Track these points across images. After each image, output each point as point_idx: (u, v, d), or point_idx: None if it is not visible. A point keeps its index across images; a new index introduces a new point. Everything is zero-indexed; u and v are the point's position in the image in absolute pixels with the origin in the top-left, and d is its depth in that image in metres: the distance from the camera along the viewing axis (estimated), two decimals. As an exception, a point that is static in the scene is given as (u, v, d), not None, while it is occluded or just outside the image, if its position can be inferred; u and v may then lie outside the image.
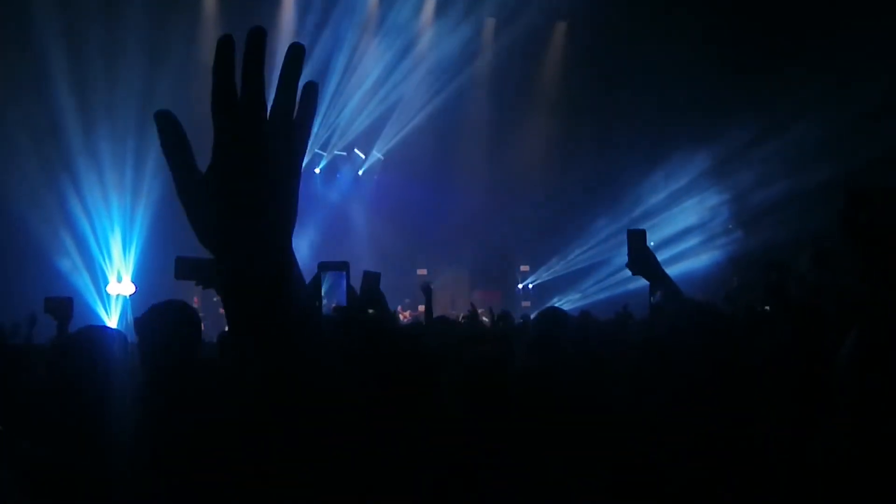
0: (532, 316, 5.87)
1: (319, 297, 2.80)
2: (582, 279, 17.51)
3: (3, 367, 4.08)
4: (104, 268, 15.14)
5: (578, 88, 17.61)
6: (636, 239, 2.99)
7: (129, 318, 14.30)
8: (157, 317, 2.77)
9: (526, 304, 17.78)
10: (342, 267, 2.86)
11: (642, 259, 2.94)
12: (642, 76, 16.15)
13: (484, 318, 13.11)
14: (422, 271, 18.73)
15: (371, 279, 3.47)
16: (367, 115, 18.16)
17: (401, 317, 15.66)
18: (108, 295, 15.15)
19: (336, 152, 18.59)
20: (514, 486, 2.06)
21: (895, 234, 1.58)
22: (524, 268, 19.08)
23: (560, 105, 18.34)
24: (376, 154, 18.99)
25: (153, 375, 2.59)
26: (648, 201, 16.98)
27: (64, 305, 4.06)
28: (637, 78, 16.26)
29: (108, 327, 2.65)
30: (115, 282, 15.25)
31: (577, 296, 17.24)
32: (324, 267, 2.85)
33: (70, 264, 14.46)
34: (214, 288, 2.99)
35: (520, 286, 19.09)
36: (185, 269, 3.01)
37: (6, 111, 13.48)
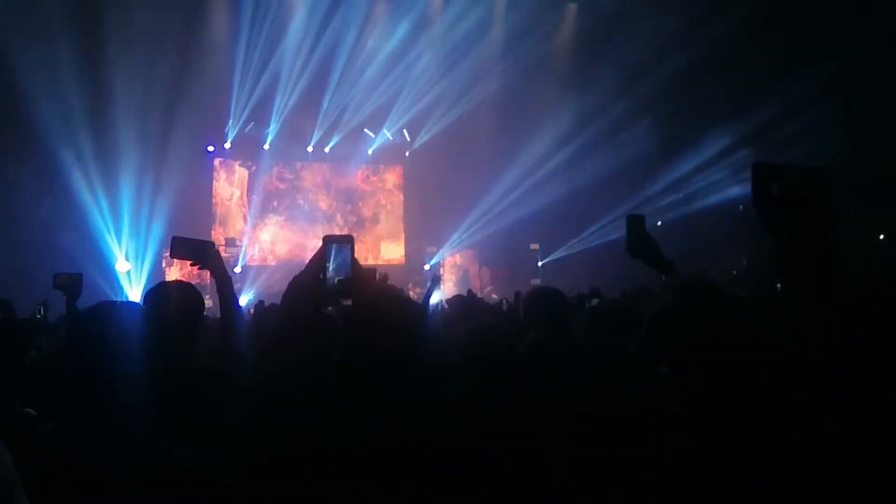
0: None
1: (325, 270, 2.82)
2: (594, 257, 17.33)
3: (13, 343, 4.12)
4: (111, 245, 15.21)
5: (589, 70, 17.47)
6: (635, 224, 3.03)
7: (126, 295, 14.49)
8: (164, 291, 2.93)
9: (535, 280, 17.72)
10: (347, 240, 2.88)
11: (642, 244, 3.00)
12: (651, 57, 16.03)
13: (493, 296, 13.16)
14: (431, 249, 18.83)
15: (366, 278, 3.45)
16: (379, 95, 18.10)
17: (411, 294, 15.75)
18: (116, 272, 15.24)
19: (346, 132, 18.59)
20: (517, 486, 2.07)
21: (806, 207, 1.60)
22: (534, 246, 19.01)
23: (572, 85, 18.23)
24: (385, 133, 18.95)
25: (157, 349, 2.66)
26: (664, 179, 16.92)
27: (73, 281, 4.09)
28: (646, 59, 16.14)
29: (126, 301, 2.74)
30: (123, 259, 15.34)
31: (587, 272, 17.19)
32: (328, 240, 2.86)
33: (77, 241, 14.53)
34: (209, 269, 3.08)
35: (540, 264, 18.96)
36: (181, 248, 3.05)
37: (14, 96, 13.45)
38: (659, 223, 15.70)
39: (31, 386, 3.56)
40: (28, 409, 2.52)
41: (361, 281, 2.91)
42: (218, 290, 3.08)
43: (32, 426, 2.39)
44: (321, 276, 2.77)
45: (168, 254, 14.66)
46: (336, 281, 2.82)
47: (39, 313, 6.11)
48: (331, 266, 2.84)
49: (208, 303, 4.22)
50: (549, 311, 3.85)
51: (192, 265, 3.08)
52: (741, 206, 16.38)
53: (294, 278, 2.74)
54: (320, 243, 2.80)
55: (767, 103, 14.84)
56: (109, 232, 15.13)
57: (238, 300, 3.18)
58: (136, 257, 15.46)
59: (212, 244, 3.12)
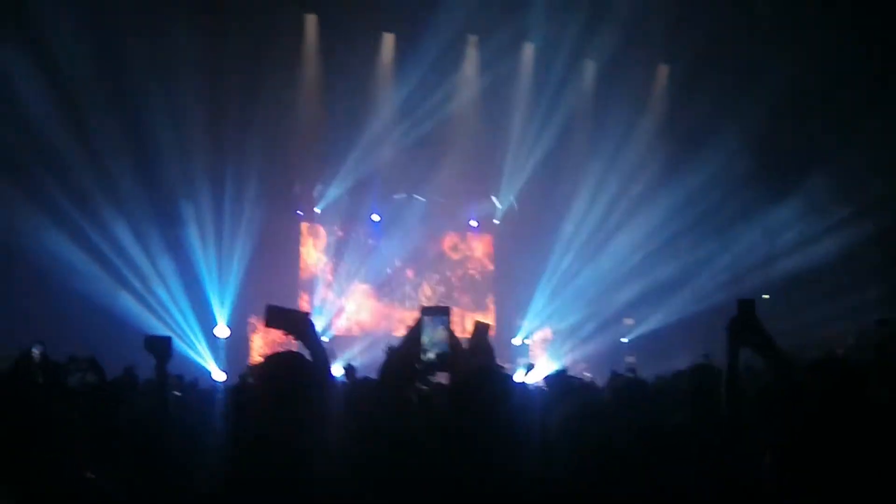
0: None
1: (419, 343, 2.71)
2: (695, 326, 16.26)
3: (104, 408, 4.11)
4: (211, 309, 15.48)
5: (684, 131, 17.23)
6: (746, 308, 2.84)
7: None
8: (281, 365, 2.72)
9: (630, 358, 16.83)
10: (444, 312, 2.80)
11: (751, 330, 2.82)
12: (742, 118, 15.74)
13: (586, 374, 12.72)
14: (520, 322, 18.47)
15: (480, 330, 3.34)
16: (467, 162, 18.15)
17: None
18: (213, 336, 15.47)
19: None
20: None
21: None
22: (628, 321, 18.24)
23: (665, 146, 18.02)
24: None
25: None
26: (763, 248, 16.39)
27: (163, 344, 4.10)
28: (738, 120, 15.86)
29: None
30: (222, 324, 15.56)
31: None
32: (425, 312, 2.79)
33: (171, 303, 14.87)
34: (304, 341, 2.91)
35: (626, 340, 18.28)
36: (276, 317, 2.92)
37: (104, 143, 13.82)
38: (765, 297, 14.97)
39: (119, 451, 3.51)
40: (89, 473, 2.44)
41: (459, 355, 2.77)
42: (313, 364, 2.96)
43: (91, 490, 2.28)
44: (417, 350, 2.65)
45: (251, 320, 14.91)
46: (435, 355, 2.67)
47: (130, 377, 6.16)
48: (427, 339, 2.70)
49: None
50: (635, 407, 3.71)
51: (285, 334, 2.95)
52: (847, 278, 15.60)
53: (390, 351, 2.64)
54: (409, 314, 2.67)
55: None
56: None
57: (332, 373, 3.06)
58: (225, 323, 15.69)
59: (308, 316, 3.02)
